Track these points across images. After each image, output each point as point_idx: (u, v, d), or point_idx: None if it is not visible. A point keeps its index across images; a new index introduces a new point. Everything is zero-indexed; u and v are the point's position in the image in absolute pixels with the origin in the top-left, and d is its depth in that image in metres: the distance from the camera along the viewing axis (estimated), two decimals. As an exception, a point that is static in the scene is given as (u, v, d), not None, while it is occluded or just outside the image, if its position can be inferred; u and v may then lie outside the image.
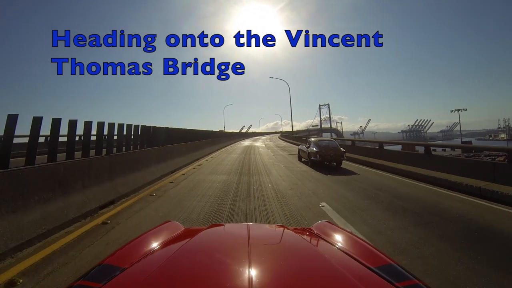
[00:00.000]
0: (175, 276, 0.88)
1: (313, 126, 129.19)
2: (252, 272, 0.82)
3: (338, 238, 1.27)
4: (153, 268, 0.91)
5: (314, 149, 11.05)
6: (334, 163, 10.94)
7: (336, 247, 1.15)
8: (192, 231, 1.39)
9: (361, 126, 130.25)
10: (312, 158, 11.05)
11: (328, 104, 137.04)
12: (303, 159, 12.88)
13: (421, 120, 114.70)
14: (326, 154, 10.76)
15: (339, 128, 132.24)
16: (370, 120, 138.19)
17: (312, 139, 12.37)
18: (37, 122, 4.09)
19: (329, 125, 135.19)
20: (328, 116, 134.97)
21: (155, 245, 1.17)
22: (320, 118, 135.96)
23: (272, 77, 40.40)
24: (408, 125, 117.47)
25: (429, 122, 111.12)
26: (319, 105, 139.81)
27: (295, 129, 76.48)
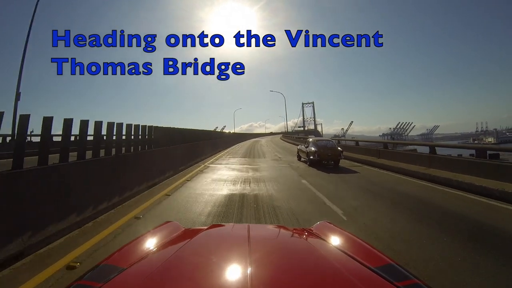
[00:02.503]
0: (175, 277, 0.88)
1: (298, 127, 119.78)
2: (253, 273, 0.82)
3: (338, 238, 1.27)
4: (152, 268, 0.91)
5: (313, 148, 11.40)
6: (332, 162, 11.23)
7: (336, 247, 1.15)
8: (192, 231, 1.39)
9: (342, 129, 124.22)
10: (310, 157, 11.38)
11: (313, 103, 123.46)
12: (302, 159, 13.19)
13: (403, 123, 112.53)
14: (324, 153, 11.13)
15: (319, 129, 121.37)
16: (352, 122, 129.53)
17: (311, 139, 12.73)
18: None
19: (313, 126, 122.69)
20: (312, 116, 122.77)
21: (155, 245, 1.17)
22: (304, 118, 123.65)
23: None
24: (390, 128, 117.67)
25: (410, 124, 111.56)
26: (302, 104, 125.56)
27: (268, 130, 74.92)
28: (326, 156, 11.13)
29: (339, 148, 11.71)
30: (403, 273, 0.94)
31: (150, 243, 1.20)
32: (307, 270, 0.94)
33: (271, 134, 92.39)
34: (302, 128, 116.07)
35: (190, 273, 0.90)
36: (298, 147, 14.63)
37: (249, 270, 0.84)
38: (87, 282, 0.88)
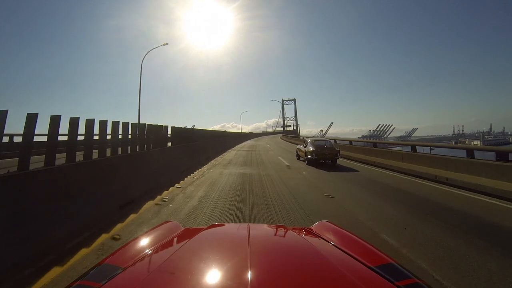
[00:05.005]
0: (175, 276, 0.88)
1: (281, 126, 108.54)
2: (252, 272, 0.82)
3: (338, 238, 1.27)
4: (152, 268, 0.91)
5: (311, 148, 11.88)
6: (330, 161, 11.76)
7: (336, 247, 1.15)
8: (192, 231, 1.39)
9: (321, 130, 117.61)
10: (308, 156, 11.81)
11: (294, 100, 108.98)
12: (301, 158, 13.60)
13: (383, 125, 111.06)
14: (321, 152, 11.61)
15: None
16: (332, 123, 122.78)
17: (309, 140, 13.20)
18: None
19: (289, 126, 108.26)
20: (294, 115, 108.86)
21: (155, 245, 1.17)
22: (283, 117, 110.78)
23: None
24: (370, 130, 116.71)
25: (390, 127, 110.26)
26: (282, 100, 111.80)
27: (243, 130, 70.95)
28: (323, 155, 11.55)
29: (336, 148, 12.26)
30: (403, 272, 0.95)
31: (150, 242, 1.20)
32: (307, 270, 0.94)
33: (258, 134, 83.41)
34: (282, 128, 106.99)
35: (190, 273, 0.90)
36: (297, 146, 15.11)
37: (249, 269, 0.84)
38: (87, 282, 0.88)
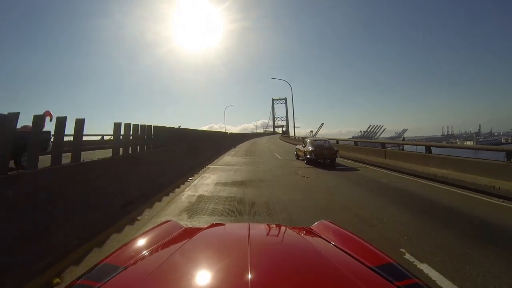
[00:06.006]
0: (174, 276, 0.88)
1: (267, 129, 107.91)
2: (252, 272, 0.82)
3: (338, 238, 1.27)
4: (152, 268, 0.90)
5: (310, 148, 12.03)
6: (328, 160, 12.01)
7: (336, 247, 1.15)
8: (192, 230, 1.38)
9: (311, 131, 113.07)
10: (307, 156, 11.98)
11: (285, 99, 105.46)
12: (300, 158, 13.70)
13: (374, 126, 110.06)
14: (320, 152, 11.75)
15: (279, 132, 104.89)
16: (323, 124, 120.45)
17: (308, 140, 13.39)
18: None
19: (280, 126, 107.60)
20: (285, 115, 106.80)
21: (154, 244, 1.17)
22: (274, 116, 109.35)
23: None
24: (361, 131, 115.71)
25: (381, 127, 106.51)
26: (272, 100, 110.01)
27: (232, 131, 67.14)
28: (322, 155, 11.65)
29: (334, 147, 12.41)
30: (403, 273, 0.95)
31: (150, 242, 1.20)
32: (307, 269, 0.94)
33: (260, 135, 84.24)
34: (272, 129, 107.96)
35: (190, 273, 0.90)
36: (297, 146, 15.24)
37: (249, 269, 0.84)
38: (87, 282, 0.88)
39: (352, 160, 13.41)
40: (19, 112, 3.06)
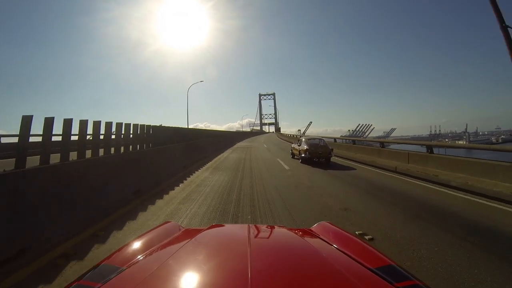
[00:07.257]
0: (174, 277, 0.88)
1: (254, 128, 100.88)
2: (252, 273, 0.82)
3: (338, 239, 1.27)
4: (152, 268, 0.90)
5: (305, 147, 11.99)
6: (323, 159, 11.97)
7: (336, 248, 1.15)
8: (191, 231, 1.38)
9: (299, 130, 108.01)
10: (302, 155, 11.95)
11: (274, 94, 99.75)
12: (295, 156, 13.71)
13: (362, 125, 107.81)
14: (315, 151, 11.73)
15: (266, 130, 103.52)
16: (311, 122, 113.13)
17: (303, 139, 13.34)
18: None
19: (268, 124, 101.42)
20: (274, 112, 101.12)
21: (154, 245, 1.16)
22: (261, 114, 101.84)
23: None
24: (349, 130, 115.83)
25: (370, 126, 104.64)
26: (259, 95, 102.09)
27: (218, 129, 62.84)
28: (317, 154, 11.66)
29: (329, 146, 12.37)
30: (403, 274, 0.95)
31: (150, 243, 1.19)
32: (307, 271, 0.94)
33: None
34: (259, 128, 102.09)
35: (190, 274, 0.90)
36: (292, 145, 15.19)
37: (249, 270, 0.84)
38: (87, 282, 0.88)
39: (347, 159, 13.50)
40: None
